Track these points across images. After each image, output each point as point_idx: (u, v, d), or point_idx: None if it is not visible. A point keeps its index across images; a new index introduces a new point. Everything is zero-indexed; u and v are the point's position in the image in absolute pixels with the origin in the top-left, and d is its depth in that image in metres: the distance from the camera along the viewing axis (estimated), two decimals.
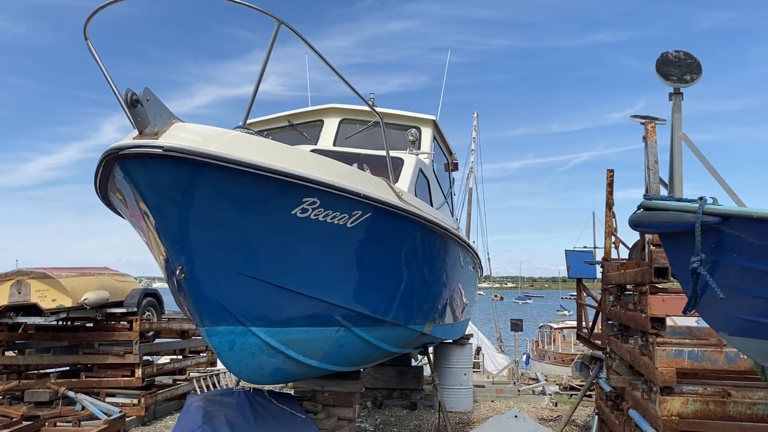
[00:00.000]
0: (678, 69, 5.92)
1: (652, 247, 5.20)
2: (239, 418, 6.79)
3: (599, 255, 12.14)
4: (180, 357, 12.73)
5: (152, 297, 11.08)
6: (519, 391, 13.82)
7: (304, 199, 4.94)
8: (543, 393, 13.82)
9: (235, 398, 7.20)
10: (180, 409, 11.62)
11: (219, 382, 12.91)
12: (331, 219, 5.22)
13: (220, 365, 14.61)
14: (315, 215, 5.08)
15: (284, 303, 5.47)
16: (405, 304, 6.79)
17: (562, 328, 29.98)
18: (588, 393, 14.58)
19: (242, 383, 9.83)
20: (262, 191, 4.73)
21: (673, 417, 4.99)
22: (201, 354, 13.30)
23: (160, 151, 4.18)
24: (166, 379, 11.86)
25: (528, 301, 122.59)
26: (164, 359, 12.87)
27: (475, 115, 22.47)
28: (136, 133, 4.33)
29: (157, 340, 11.68)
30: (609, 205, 8.01)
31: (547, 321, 39.03)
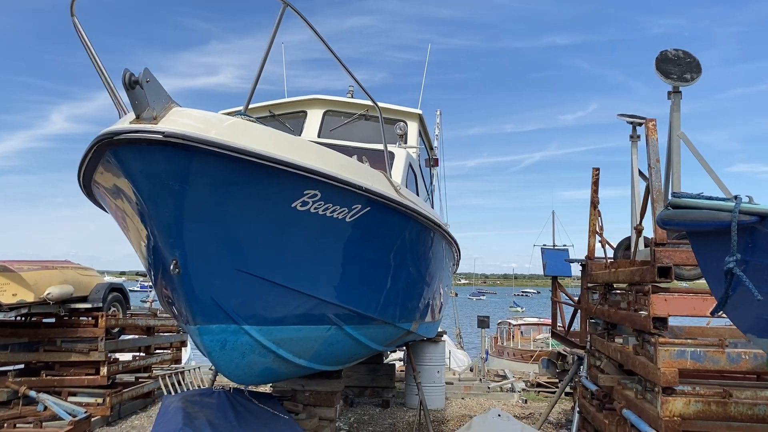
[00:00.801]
0: (678, 67, 5.91)
1: (654, 247, 5.15)
2: (221, 420, 6.51)
3: (572, 253, 12.21)
4: (142, 354, 12.26)
5: (118, 292, 10.61)
6: (488, 388, 13.81)
7: (305, 192, 4.71)
8: (512, 390, 13.85)
9: (215, 398, 6.91)
10: (145, 408, 11.24)
11: (183, 380, 12.53)
12: (330, 213, 5.01)
13: (183, 362, 14.19)
14: (315, 209, 4.87)
15: (278, 301, 5.24)
16: (395, 301, 6.63)
17: (520, 325, 30.34)
18: (552, 390, 14.70)
19: (217, 382, 9.51)
20: (263, 182, 4.48)
21: (675, 418, 4.96)
22: (166, 351, 12.85)
23: (160, 137, 3.90)
24: (127, 377, 11.40)
25: (482, 297, 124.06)
26: (126, 356, 12.40)
27: (438, 113, 22.48)
28: (131, 117, 4.03)
29: (121, 337, 11.22)
30: (594, 203, 7.99)
31: (501, 317, 39.46)
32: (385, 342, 7.22)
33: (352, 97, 9.50)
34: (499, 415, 7.96)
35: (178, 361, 13.36)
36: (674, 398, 5.01)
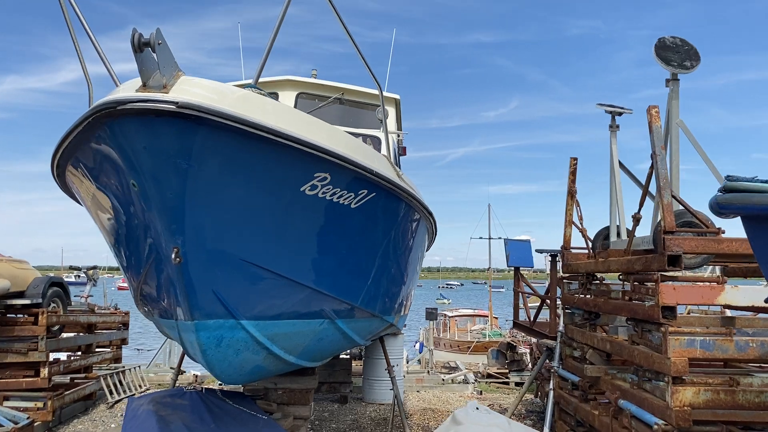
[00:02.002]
0: (677, 55, 5.89)
1: (664, 235, 5.08)
2: (197, 422, 6.03)
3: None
4: (79, 353, 11.37)
5: (58, 287, 9.76)
6: (443, 380, 13.72)
7: (315, 174, 4.34)
8: (466, 382, 13.81)
9: (187, 400, 6.41)
10: (86, 411, 10.44)
11: (124, 379, 11.78)
12: (337, 198, 4.65)
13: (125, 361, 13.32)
14: (323, 193, 4.50)
15: (277, 294, 4.85)
16: (385, 293, 6.34)
17: (456, 316, 30.62)
18: (502, 381, 14.81)
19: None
20: (275, 162, 4.08)
21: (686, 407, 4.91)
22: (106, 349, 12.03)
23: (172, 107, 3.44)
24: (60, 378, 10.49)
25: None
26: (61, 356, 11.49)
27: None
28: (134, 84, 3.55)
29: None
30: (572, 193, 7.94)
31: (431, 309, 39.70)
32: (368, 336, 6.92)
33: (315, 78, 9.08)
34: (477, 408, 7.80)
35: (118, 359, 12.54)
36: (684, 388, 4.96)
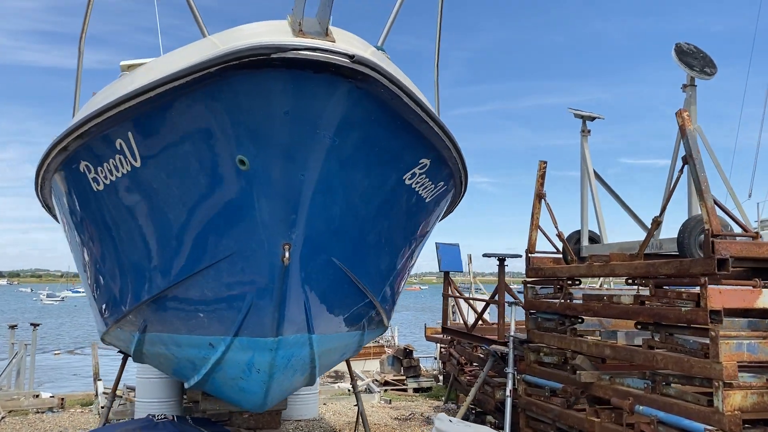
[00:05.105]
0: (696, 60, 5.96)
1: (712, 238, 5.05)
2: None
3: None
4: None
5: None
6: (349, 390, 13.07)
7: (420, 160, 3.65)
8: (370, 391, 13.29)
9: (161, 431, 5.25)
10: None
11: None
12: (421, 189, 3.98)
13: None
14: (415, 183, 3.83)
15: (345, 303, 4.06)
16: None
17: None
18: (400, 388, 14.55)
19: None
20: (398, 141, 3.33)
21: (736, 411, 4.89)
22: None
23: (345, 62, 2.59)
24: None
25: None
26: None
27: None
28: (275, 28, 2.64)
29: None
30: (540, 196, 7.83)
31: None
32: (363, 347, 6.21)
33: None
34: (451, 421, 7.41)
35: None
36: (734, 392, 4.93)
